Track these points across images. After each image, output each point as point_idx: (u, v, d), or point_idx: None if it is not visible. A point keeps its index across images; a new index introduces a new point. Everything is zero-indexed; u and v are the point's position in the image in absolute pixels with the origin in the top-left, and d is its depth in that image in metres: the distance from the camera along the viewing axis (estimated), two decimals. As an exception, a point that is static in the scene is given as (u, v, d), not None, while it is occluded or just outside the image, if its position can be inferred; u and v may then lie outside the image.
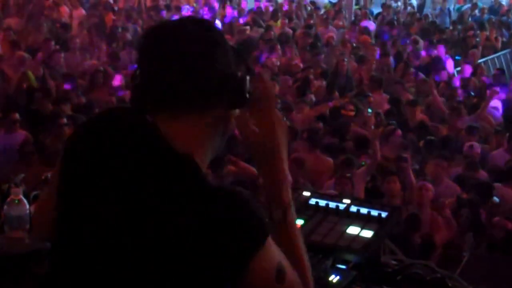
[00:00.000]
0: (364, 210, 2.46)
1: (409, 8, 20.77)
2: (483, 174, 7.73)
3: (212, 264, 1.54)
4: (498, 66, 14.49)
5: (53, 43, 11.63)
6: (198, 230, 1.54)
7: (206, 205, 1.56)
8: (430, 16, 18.89)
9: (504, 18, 19.62)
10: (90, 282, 1.62)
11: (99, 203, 1.63)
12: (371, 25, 16.34)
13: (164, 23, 1.82)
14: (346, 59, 12.07)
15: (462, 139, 8.80)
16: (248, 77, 1.69)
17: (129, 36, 13.02)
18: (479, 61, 13.98)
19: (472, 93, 11.35)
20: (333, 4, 20.05)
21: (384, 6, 19.52)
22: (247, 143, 1.73)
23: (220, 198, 1.58)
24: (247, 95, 1.68)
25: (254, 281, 1.59)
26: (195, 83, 1.63)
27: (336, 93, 10.44)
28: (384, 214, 2.44)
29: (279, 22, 15.93)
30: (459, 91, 11.32)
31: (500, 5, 22.08)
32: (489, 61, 14.93)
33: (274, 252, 1.62)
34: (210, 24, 1.72)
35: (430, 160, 7.70)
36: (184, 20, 1.72)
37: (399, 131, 8.49)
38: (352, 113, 9.00)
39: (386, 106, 10.00)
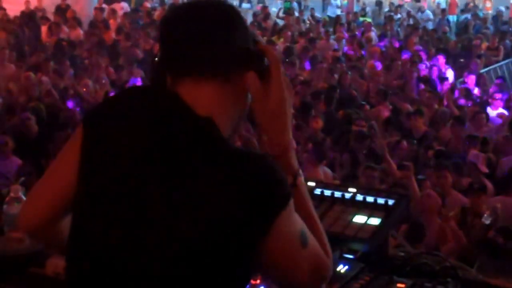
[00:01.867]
0: (370, 199, 2.43)
1: (411, 20, 20.89)
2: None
3: (238, 221, 1.55)
4: (500, 75, 14.51)
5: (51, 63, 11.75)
6: (224, 189, 1.56)
7: (229, 164, 1.59)
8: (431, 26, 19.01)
9: (505, 27, 19.70)
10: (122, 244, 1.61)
11: (129, 171, 1.63)
12: (374, 37, 16.43)
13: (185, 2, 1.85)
14: (349, 72, 12.09)
15: (465, 149, 8.70)
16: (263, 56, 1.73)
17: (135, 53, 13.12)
18: (481, 71, 14.00)
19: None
20: (331, 18, 20.18)
21: (387, 19, 19.64)
22: (255, 106, 1.74)
23: (243, 158, 1.60)
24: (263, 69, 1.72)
25: (279, 243, 1.59)
26: (216, 49, 1.68)
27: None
28: (391, 202, 2.41)
29: (281, 38, 16.00)
30: (462, 101, 11.31)
31: (501, 14, 22.21)
32: (491, 71, 14.96)
33: (296, 215, 1.64)
34: (228, 3, 1.78)
35: (437, 171, 7.59)
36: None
37: (405, 143, 8.44)
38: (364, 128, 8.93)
39: (386, 115, 9.95)
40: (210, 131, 1.63)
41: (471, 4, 24.60)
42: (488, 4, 23.59)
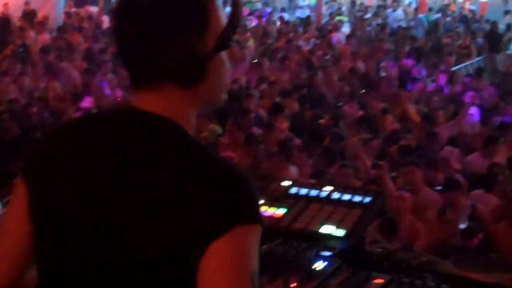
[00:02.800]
0: (346, 196, 2.46)
1: (379, 20, 21.06)
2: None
3: (199, 225, 1.48)
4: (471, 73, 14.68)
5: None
6: (187, 189, 1.49)
7: (197, 163, 1.53)
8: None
9: (476, 25, 19.95)
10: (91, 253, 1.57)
11: (90, 197, 1.58)
12: (342, 37, 16.55)
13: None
14: (319, 73, 12.16)
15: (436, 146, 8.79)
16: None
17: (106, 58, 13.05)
18: (453, 68, 14.17)
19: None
20: (302, 20, 20.29)
21: (356, 19, 19.80)
22: None
23: (211, 160, 1.54)
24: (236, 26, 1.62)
25: (223, 260, 1.47)
26: (174, 56, 1.56)
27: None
28: (367, 199, 2.44)
29: (251, 40, 16.06)
30: (434, 99, 11.42)
31: (472, 12, 22.48)
32: (462, 68, 15.13)
33: (255, 254, 1.50)
34: None
35: (405, 168, 7.64)
36: None
37: (376, 141, 8.51)
38: (328, 123, 9.03)
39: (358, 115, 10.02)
40: (177, 135, 1.57)
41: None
42: (467, 5, 23.88)
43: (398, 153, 8.05)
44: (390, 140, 8.75)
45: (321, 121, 9.13)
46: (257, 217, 1.51)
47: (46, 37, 15.33)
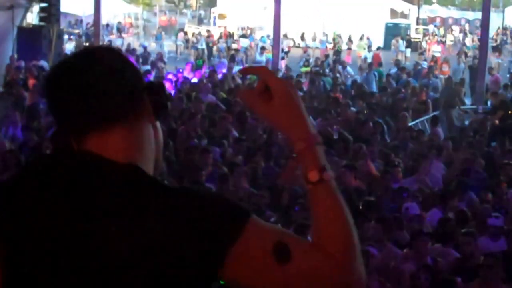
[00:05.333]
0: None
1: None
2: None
3: (189, 260, 1.54)
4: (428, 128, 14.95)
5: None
6: (170, 231, 1.54)
7: (170, 204, 1.57)
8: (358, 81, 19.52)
9: (425, 80, 20.41)
10: None
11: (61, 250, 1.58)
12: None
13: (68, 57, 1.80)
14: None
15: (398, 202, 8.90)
16: (163, 87, 1.77)
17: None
18: (411, 123, 14.39)
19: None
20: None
21: (312, 74, 20.10)
22: (267, 116, 1.72)
23: (184, 196, 1.60)
24: (166, 104, 1.77)
25: (243, 268, 1.56)
26: (117, 98, 1.66)
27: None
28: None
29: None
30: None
31: (421, 68, 23.05)
32: (419, 124, 15.40)
33: (264, 232, 1.59)
34: (116, 49, 1.81)
35: (370, 223, 7.73)
36: (90, 49, 1.80)
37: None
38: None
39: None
40: (139, 177, 1.61)
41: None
42: (445, 68, 24.56)
43: (364, 209, 8.11)
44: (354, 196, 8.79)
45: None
46: (242, 220, 1.57)
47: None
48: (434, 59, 29.05)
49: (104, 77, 1.65)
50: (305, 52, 30.21)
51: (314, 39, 38.99)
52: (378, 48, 31.26)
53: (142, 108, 1.70)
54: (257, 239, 1.57)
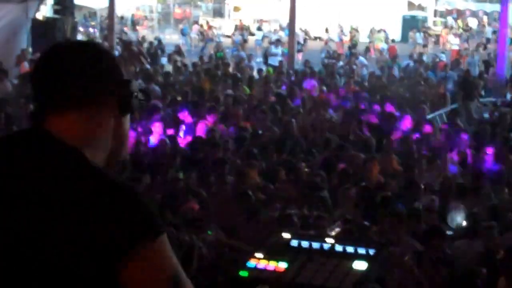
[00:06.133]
0: (350, 249, 2.40)
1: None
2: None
3: (99, 246, 1.65)
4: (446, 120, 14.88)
5: None
6: (90, 216, 1.67)
7: (97, 193, 1.70)
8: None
9: (443, 73, 20.31)
10: None
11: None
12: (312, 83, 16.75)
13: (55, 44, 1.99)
14: (293, 120, 12.22)
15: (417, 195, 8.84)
16: (134, 83, 1.95)
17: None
18: (429, 116, 14.32)
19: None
20: (275, 68, 20.50)
21: (325, 67, 20.06)
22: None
23: (114, 188, 1.73)
24: (134, 101, 1.92)
25: (141, 274, 1.68)
26: (81, 82, 1.85)
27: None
28: (371, 251, 2.39)
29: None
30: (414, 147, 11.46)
31: (440, 60, 22.93)
32: (437, 116, 15.33)
33: (167, 258, 1.72)
34: (96, 44, 2.03)
35: (386, 218, 7.68)
36: (70, 42, 2.12)
37: (353, 190, 8.58)
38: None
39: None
40: (78, 161, 1.76)
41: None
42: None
43: (381, 204, 8.07)
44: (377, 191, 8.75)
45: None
46: (158, 229, 1.72)
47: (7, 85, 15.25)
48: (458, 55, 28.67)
49: (71, 67, 1.85)
50: (326, 44, 29.91)
51: (327, 32, 38.78)
52: (393, 41, 31.15)
53: (103, 101, 1.87)
54: (157, 258, 1.71)
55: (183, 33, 35.95)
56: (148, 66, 18.41)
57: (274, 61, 22.79)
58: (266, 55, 25.44)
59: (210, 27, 37.73)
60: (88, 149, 1.81)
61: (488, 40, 37.59)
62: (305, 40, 32.34)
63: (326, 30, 38.27)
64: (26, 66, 17.41)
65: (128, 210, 1.69)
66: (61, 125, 1.83)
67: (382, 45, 31.26)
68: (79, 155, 1.78)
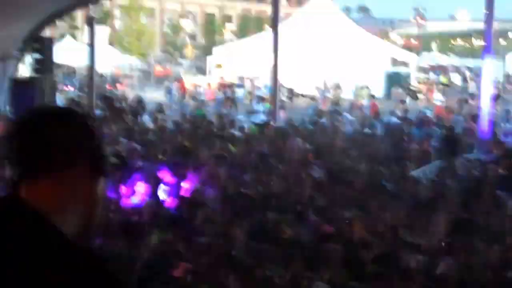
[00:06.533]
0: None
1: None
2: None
3: None
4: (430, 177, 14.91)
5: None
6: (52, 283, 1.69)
7: (62, 262, 1.73)
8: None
9: (425, 129, 20.51)
10: None
11: None
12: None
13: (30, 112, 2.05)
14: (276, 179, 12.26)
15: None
16: (104, 148, 2.01)
17: None
18: (412, 172, 14.40)
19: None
20: (260, 125, 20.60)
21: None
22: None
23: (70, 256, 1.76)
24: (106, 166, 1.99)
25: None
26: (52, 151, 1.90)
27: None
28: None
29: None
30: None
31: (425, 116, 23.15)
32: (421, 173, 15.37)
33: None
34: (67, 110, 2.08)
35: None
36: (42, 109, 2.07)
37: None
38: None
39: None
40: (43, 228, 1.80)
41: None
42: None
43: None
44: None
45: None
46: None
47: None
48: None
49: (42, 137, 1.91)
50: (312, 100, 30.08)
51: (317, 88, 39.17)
52: (373, 97, 31.58)
53: (74, 166, 1.92)
54: None
55: (169, 91, 36.12)
56: (130, 123, 18.45)
57: (257, 118, 22.92)
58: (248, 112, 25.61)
59: (193, 85, 37.99)
60: (61, 215, 1.86)
61: (471, 95, 38.11)
62: (290, 97, 32.61)
63: (319, 87, 38.79)
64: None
65: (91, 280, 1.71)
66: (34, 192, 1.88)
67: (364, 101, 31.59)
68: (46, 223, 1.81)
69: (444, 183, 13.23)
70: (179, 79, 40.44)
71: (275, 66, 21.64)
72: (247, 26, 74.68)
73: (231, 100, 31.06)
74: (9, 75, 19.88)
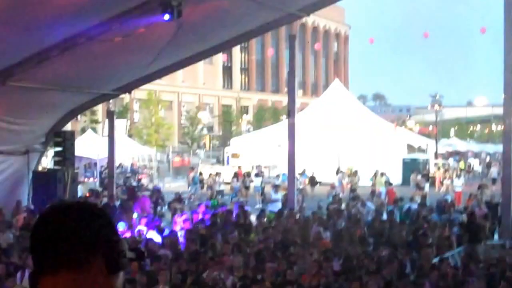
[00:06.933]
0: None
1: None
2: None
3: None
4: (452, 264, 14.88)
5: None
6: None
7: None
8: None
9: (446, 215, 20.50)
10: None
11: None
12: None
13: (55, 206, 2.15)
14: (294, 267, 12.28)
15: None
16: (123, 242, 2.06)
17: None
18: (435, 260, 14.36)
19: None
20: (278, 214, 20.69)
21: (330, 211, 20.26)
22: None
23: None
24: (123, 261, 2.04)
25: None
26: (70, 246, 1.98)
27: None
28: None
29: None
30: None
31: (445, 202, 23.12)
32: (444, 260, 15.33)
33: None
34: (85, 206, 2.11)
35: None
36: (61, 206, 2.11)
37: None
38: None
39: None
40: None
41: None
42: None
43: None
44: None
45: None
46: None
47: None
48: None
49: (60, 233, 1.99)
50: (332, 188, 30.35)
51: (337, 173, 39.29)
52: (390, 184, 31.68)
53: (91, 261, 1.99)
54: None
55: (194, 181, 36.38)
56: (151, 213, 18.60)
57: (274, 206, 23.04)
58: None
59: (210, 175, 38.28)
60: None
61: (494, 180, 38.10)
62: (311, 185, 32.60)
63: (337, 172, 39.01)
64: (22, 218, 17.70)
65: None
66: (53, 285, 1.97)
67: (381, 188, 31.67)
68: None
69: (470, 270, 13.18)
70: (193, 168, 40.63)
71: (292, 154, 21.85)
72: (264, 117, 75.49)
73: (248, 189, 31.15)
74: (32, 167, 20.31)
